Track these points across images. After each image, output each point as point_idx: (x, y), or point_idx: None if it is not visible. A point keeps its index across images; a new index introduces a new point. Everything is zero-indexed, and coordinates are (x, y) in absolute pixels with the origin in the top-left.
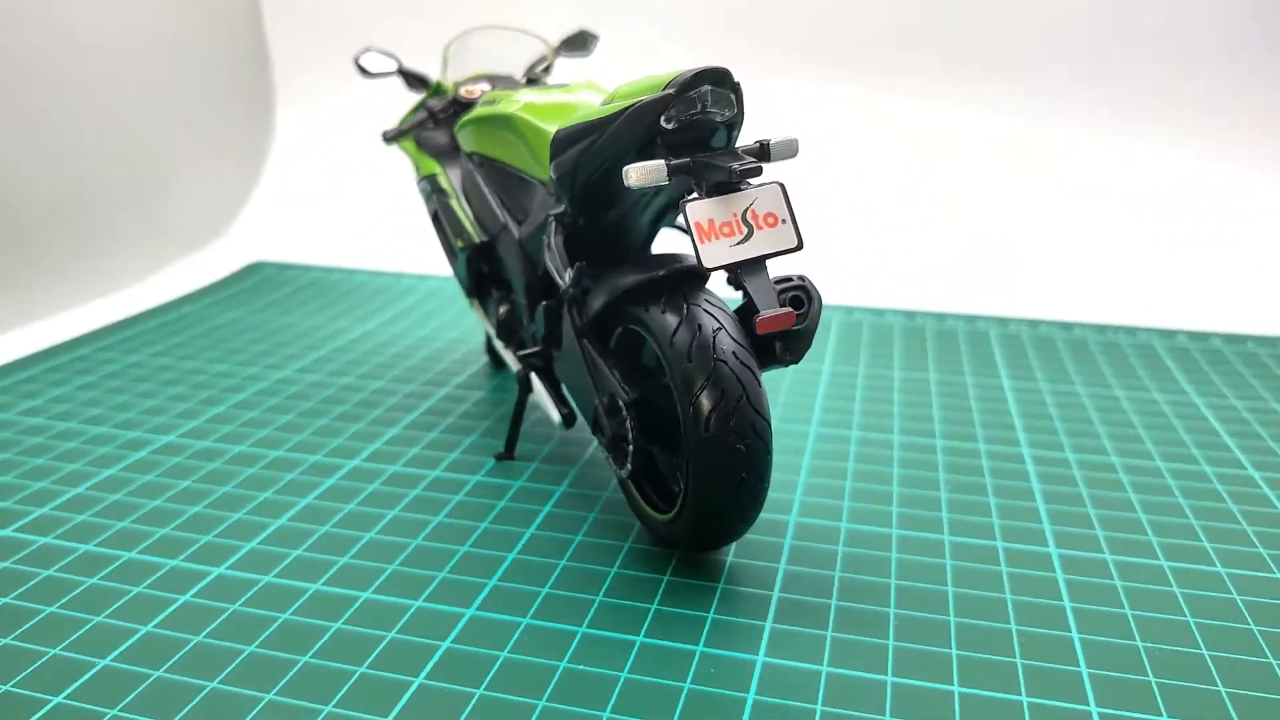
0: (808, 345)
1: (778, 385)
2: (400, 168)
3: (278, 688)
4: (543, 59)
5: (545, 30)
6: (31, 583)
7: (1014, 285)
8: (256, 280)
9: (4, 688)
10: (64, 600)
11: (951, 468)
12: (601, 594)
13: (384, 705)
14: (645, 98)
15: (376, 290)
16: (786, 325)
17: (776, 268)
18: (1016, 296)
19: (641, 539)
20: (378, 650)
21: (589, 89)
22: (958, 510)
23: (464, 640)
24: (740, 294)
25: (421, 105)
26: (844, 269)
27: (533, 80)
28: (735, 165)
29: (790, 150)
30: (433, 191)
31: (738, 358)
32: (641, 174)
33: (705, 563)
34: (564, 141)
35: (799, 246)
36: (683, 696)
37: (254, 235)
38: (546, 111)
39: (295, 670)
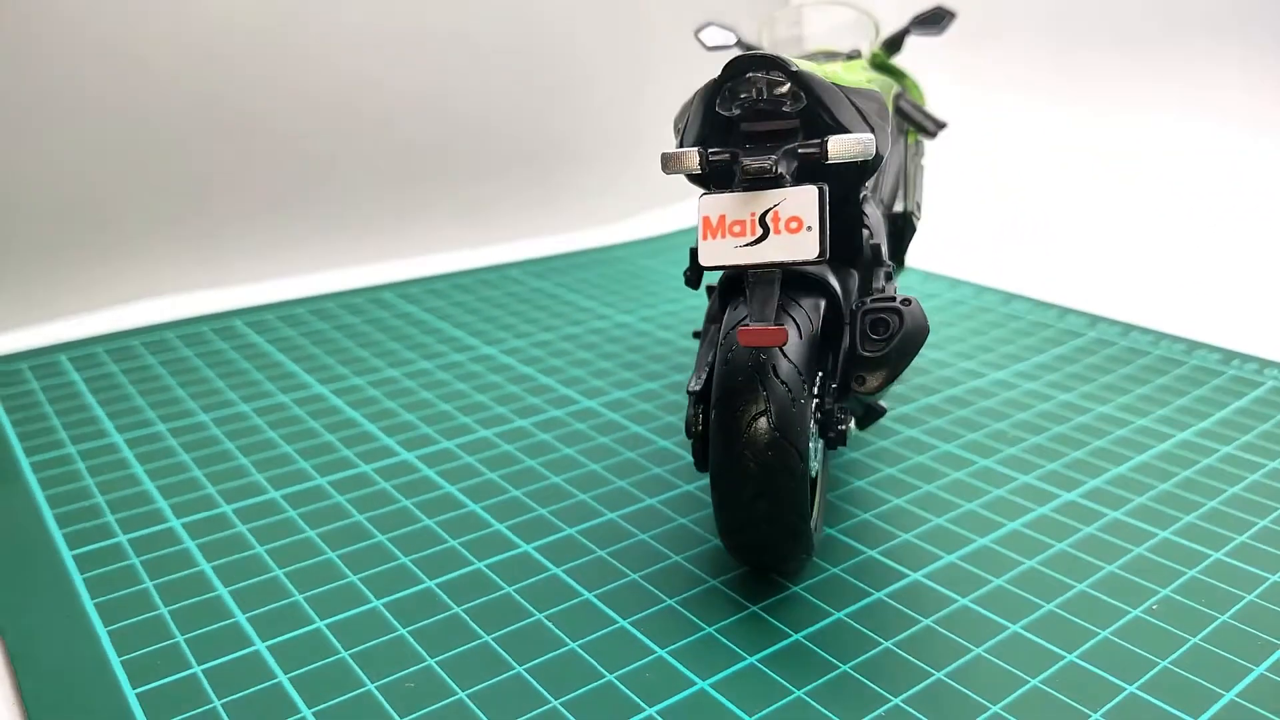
0: (886, 378)
1: None
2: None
3: None
4: (876, 33)
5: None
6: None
7: None
8: None
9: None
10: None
11: None
12: None
13: None
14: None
15: None
16: (773, 342)
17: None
18: None
19: None
20: None
21: (853, 69)
22: None
23: None
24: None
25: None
26: None
27: (851, 57)
28: (749, 163)
29: (856, 149)
30: None
31: (779, 373)
32: (674, 162)
33: None
34: None
35: (820, 258)
36: None
37: None
38: None
39: None
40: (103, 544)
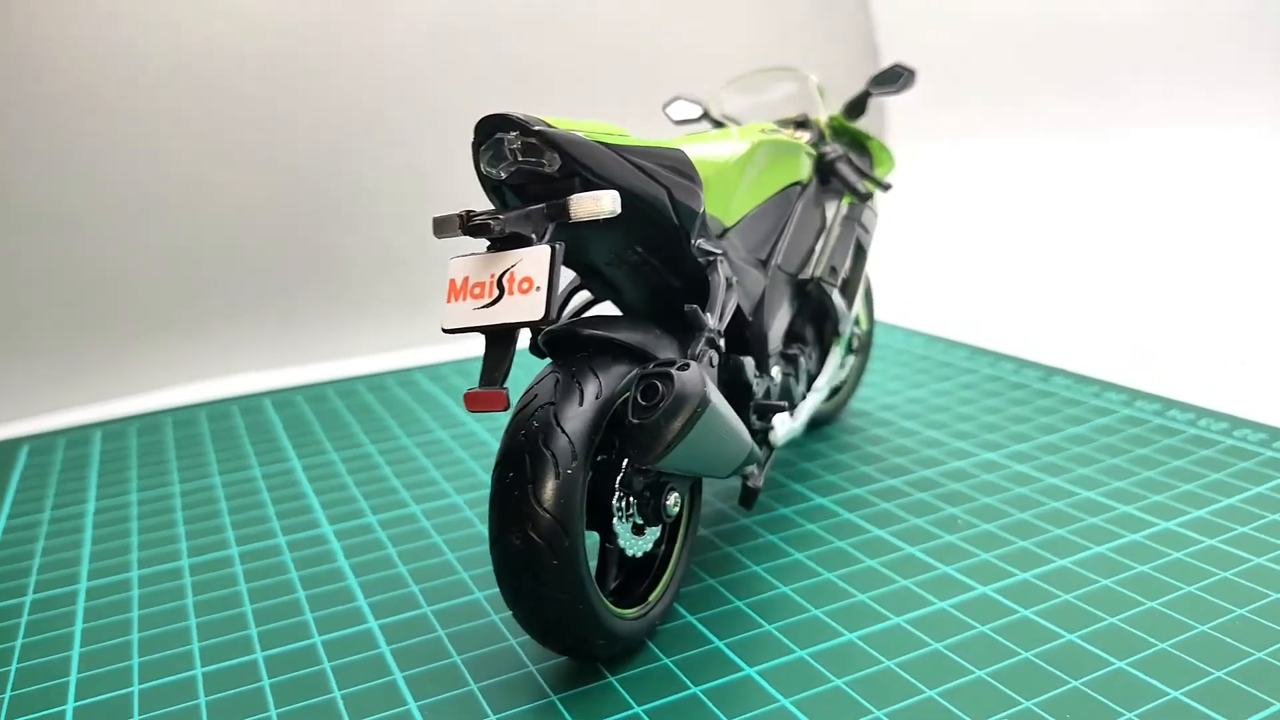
0: (654, 448)
1: None
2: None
3: None
4: (820, 94)
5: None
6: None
7: None
8: None
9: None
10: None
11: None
12: None
13: None
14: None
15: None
16: (493, 407)
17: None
18: None
19: None
20: None
21: (747, 134)
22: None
23: None
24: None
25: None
26: None
27: (800, 124)
28: (477, 221)
29: (593, 207)
30: None
31: (544, 439)
32: (439, 226)
33: None
34: None
35: (546, 319)
36: None
37: None
38: None
39: None
40: None
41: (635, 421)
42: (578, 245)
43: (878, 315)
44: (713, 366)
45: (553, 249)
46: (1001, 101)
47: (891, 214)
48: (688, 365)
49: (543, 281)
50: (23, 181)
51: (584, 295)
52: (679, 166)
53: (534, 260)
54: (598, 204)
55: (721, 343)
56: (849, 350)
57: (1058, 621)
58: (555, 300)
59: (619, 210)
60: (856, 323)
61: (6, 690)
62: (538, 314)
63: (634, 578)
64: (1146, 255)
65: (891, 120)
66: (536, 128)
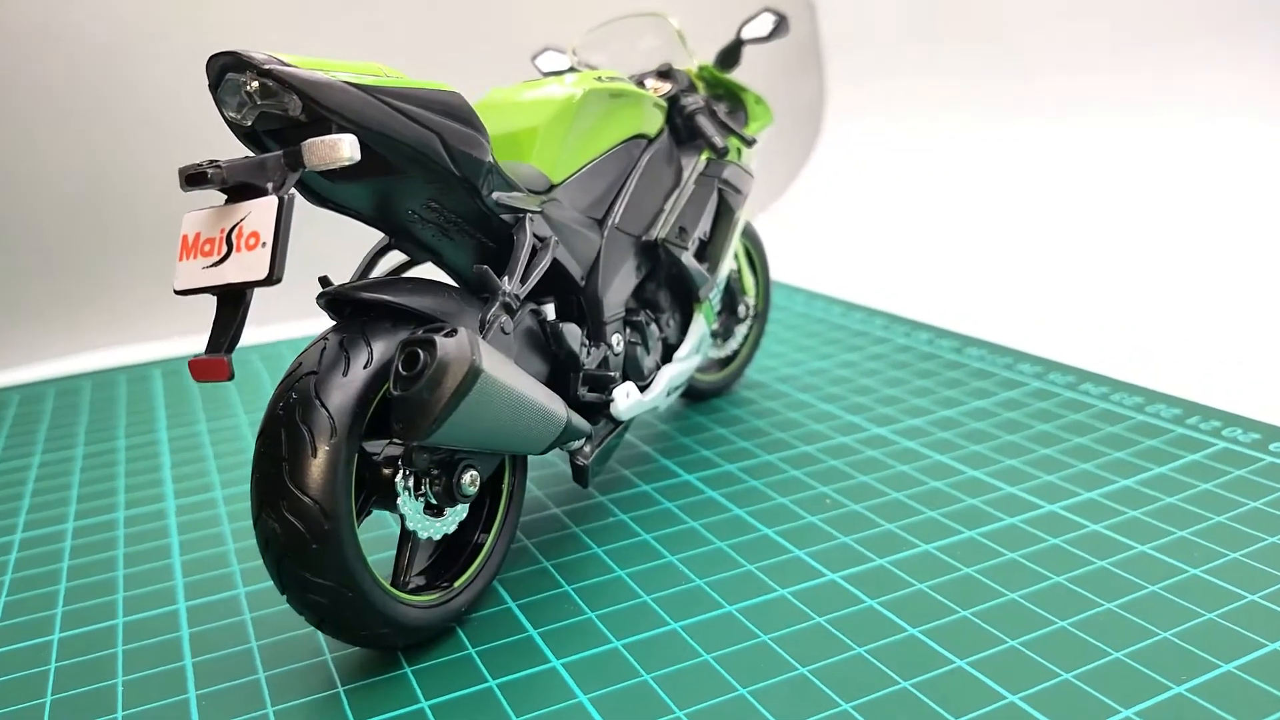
0: (419, 423)
1: None
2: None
3: None
4: (681, 40)
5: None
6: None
7: None
8: None
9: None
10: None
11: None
12: None
13: None
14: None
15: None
16: (215, 376)
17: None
18: None
19: None
20: None
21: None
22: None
23: None
24: None
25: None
26: None
27: (664, 74)
28: (191, 170)
29: (329, 154)
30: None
31: (301, 414)
32: (181, 178)
33: None
34: None
35: (269, 279)
36: None
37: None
38: None
39: None
40: None
41: (396, 393)
42: (366, 200)
43: (800, 283)
44: (505, 333)
45: (281, 200)
46: (949, 74)
47: (826, 181)
48: (455, 331)
49: (268, 237)
50: None
51: (399, 257)
52: (452, 110)
53: (261, 213)
54: (334, 150)
55: (527, 308)
56: (739, 319)
57: (902, 614)
58: (281, 258)
59: (358, 156)
60: (744, 293)
61: None
62: (261, 273)
63: (446, 560)
64: (1086, 229)
65: (831, 88)
66: (268, 67)
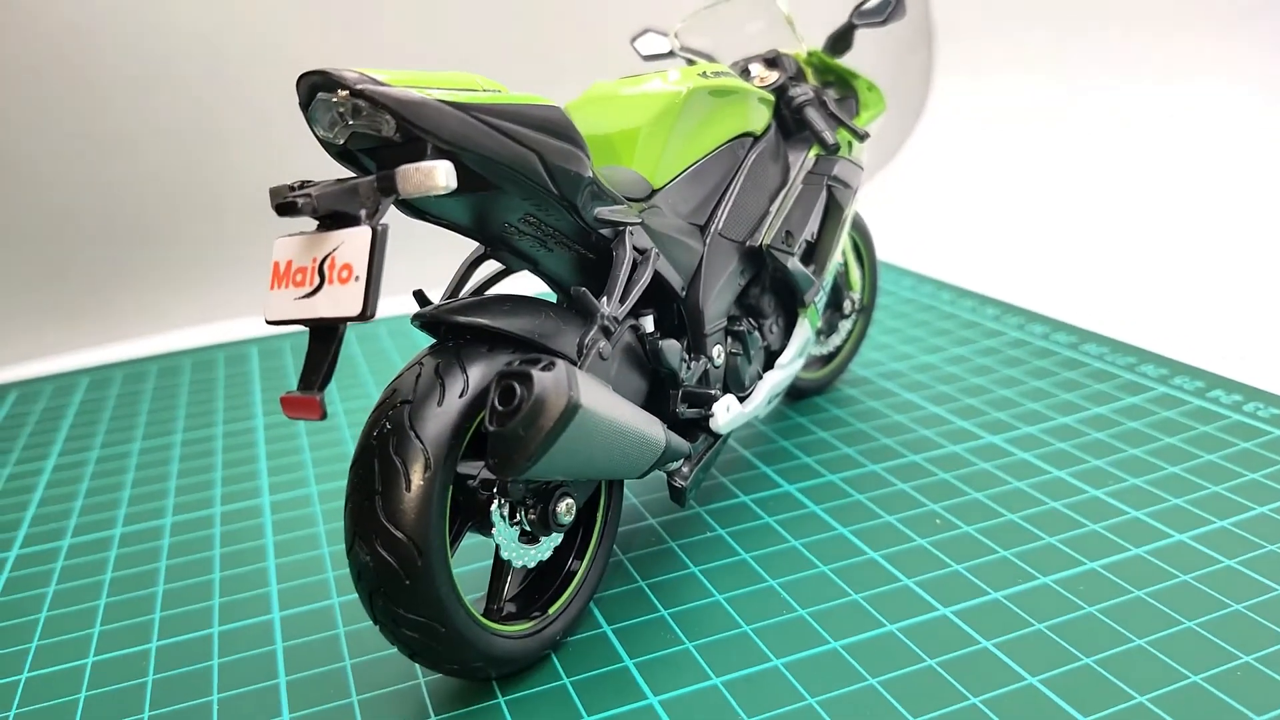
0: (515, 459)
1: None
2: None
3: None
4: (792, 27)
5: None
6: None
7: None
8: None
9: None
10: None
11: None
12: None
13: None
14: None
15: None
16: (308, 415)
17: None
18: None
19: None
20: None
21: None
22: None
23: None
24: None
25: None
26: None
27: (771, 61)
28: (290, 198)
29: (424, 183)
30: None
31: (395, 445)
32: (273, 199)
33: None
34: None
35: (363, 315)
36: None
37: None
38: None
39: None
40: None
41: (492, 429)
42: (462, 213)
43: (906, 264)
44: (604, 359)
45: (374, 231)
46: (1069, 32)
47: (935, 151)
48: (552, 364)
49: (361, 270)
50: None
51: (494, 266)
52: (552, 126)
53: (354, 244)
54: (429, 179)
55: (626, 324)
56: (843, 315)
57: (1019, 658)
58: (375, 293)
59: (454, 185)
60: (850, 288)
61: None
62: (354, 309)
63: (540, 585)
64: (1230, 218)
65: (941, 44)
66: (359, 86)
